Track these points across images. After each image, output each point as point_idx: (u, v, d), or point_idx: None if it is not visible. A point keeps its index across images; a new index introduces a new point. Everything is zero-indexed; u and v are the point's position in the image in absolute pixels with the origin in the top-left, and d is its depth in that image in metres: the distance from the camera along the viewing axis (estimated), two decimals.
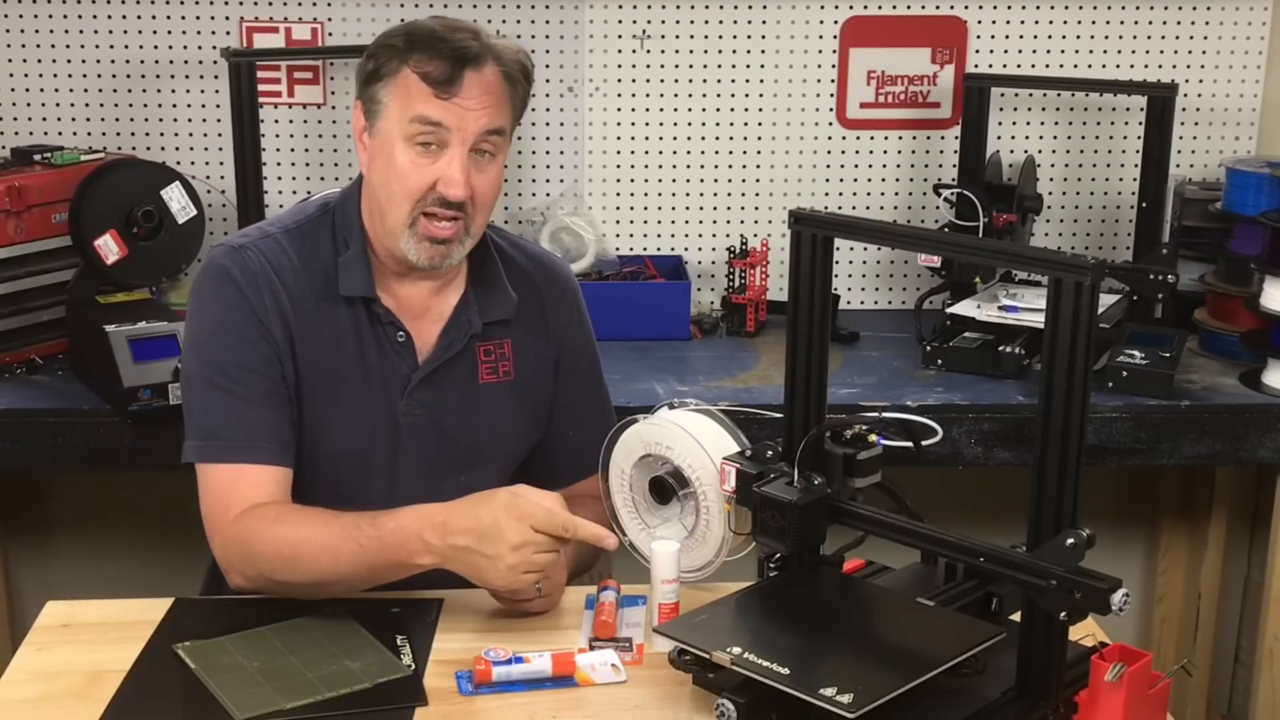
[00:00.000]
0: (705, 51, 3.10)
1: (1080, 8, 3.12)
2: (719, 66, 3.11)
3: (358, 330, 1.96)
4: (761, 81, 3.12)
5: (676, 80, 3.11)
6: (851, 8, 3.09)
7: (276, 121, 3.05)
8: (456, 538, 1.74)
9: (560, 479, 2.13)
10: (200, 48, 3.00)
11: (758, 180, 3.16)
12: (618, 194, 3.15)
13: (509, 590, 1.78)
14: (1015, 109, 3.16)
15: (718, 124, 3.13)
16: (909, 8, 3.11)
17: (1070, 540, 1.48)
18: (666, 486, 1.87)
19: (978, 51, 3.13)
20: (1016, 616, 1.60)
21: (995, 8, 3.11)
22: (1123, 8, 3.12)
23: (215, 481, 1.89)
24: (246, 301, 1.90)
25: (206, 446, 1.90)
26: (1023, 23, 3.13)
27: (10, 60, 2.99)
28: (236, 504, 1.87)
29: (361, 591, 1.85)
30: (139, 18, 2.99)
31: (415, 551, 1.77)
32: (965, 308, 2.85)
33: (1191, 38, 3.13)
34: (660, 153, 3.14)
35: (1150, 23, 3.13)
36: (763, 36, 3.10)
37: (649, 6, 3.07)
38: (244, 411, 1.89)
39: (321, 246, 1.97)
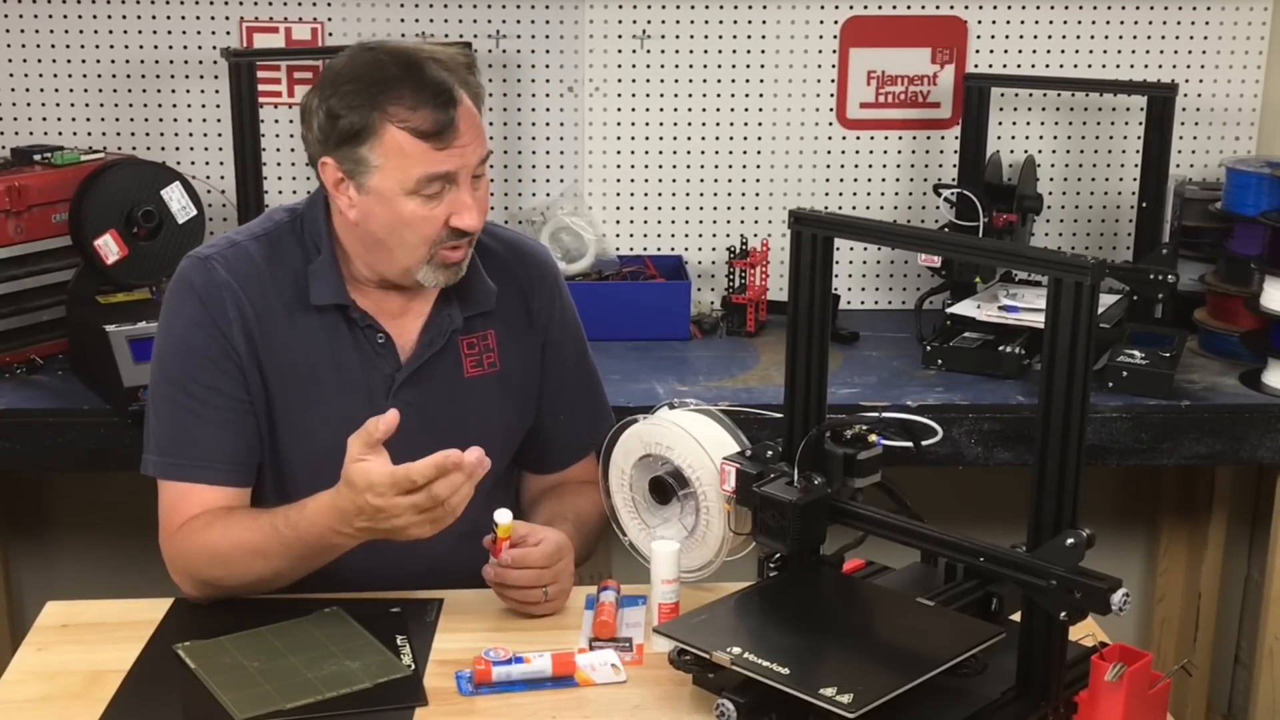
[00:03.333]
0: (705, 51, 3.10)
1: (1080, 8, 3.12)
2: (719, 66, 3.10)
3: (332, 335, 1.96)
4: (761, 81, 3.12)
5: (676, 80, 3.11)
6: (851, 8, 3.09)
7: (276, 121, 3.05)
8: (357, 521, 1.75)
9: (554, 465, 2.13)
10: (200, 48, 3.00)
11: (758, 180, 3.16)
12: (618, 194, 3.15)
13: (435, 531, 1.75)
14: (1015, 109, 3.16)
15: (718, 124, 3.13)
16: (909, 8, 3.10)
17: (1070, 540, 1.48)
18: (666, 486, 1.87)
19: (978, 51, 3.13)
20: (1016, 616, 1.60)
21: (995, 8, 3.11)
22: (1123, 8, 3.12)
23: (167, 497, 1.93)
24: (208, 316, 1.91)
25: (162, 463, 1.93)
26: (1023, 23, 3.13)
27: (10, 60, 2.99)
28: (179, 521, 1.91)
29: (358, 580, 1.89)
30: (139, 18, 2.98)
31: (333, 544, 1.81)
32: (965, 308, 2.85)
33: (1191, 38, 3.13)
34: (660, 153, 3.14)
35: (1150, 23, 3.13)
36: (763, 36, 3.10)
37: (649, 6, 3.06)
38: (200, 431, 1.91)
39: (291, 253, 1.97)
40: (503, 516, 1.81)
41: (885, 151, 3.17)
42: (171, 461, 1.92)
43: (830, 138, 3.16)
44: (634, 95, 3.11)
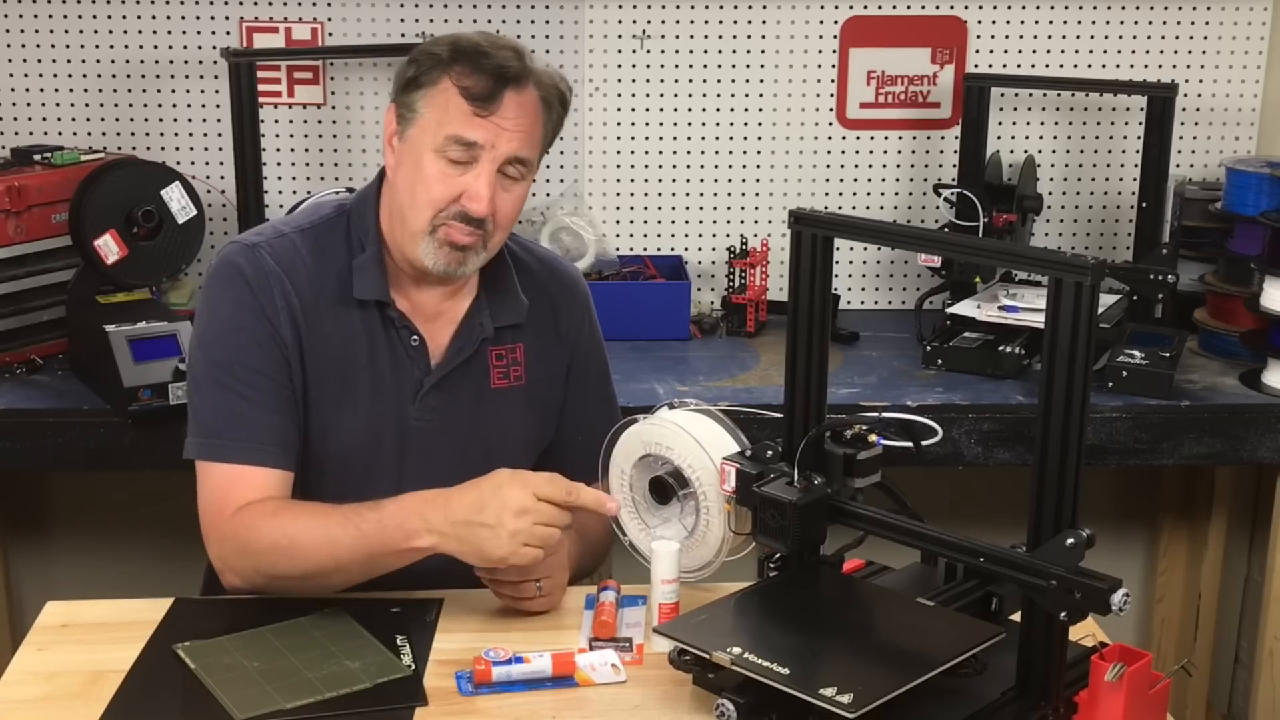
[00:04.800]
0: (705, 51, 3.10)
1: (1080, 8, 3.12)
2: (719, 66, 3.11)
3: (370, 333, 1.96)
4: (761, 81, 3.12)
5: (676, 80, 3.11)
6: (851, 8, 3.09)
7: (276, 121, 3.05)
8: (456, 512, 1.74)
9: None
10: (200, 48, 3.00)
11: (758, 180, 3.16)
12: (618, 194, 3.15)
13: (509, 562, 1.75)
14: (1015, 109, 3.16)
15: (718, 124, 3.13)
16: (909, 8, 3.11)
17: (1070, 540, 1.48)
18: (666, 486, 1.87)
19: (978, 51, 3.13)
20: (1016, 616, 1.60)
21: (995, 8, 3.11)
22: (1123, 8, 3.12)
23: (214, 480, 1.89)
24: (256, 302, 1.90)
25: (209, 444, 1.90)
26: (1023, 23, 3.13)
27: (10, 60, 2.99)
28: (234, 503, 1.87)
29: (357, 585, 1.85)
30: (139, 18, 2.99)
31: (414, 532, 1.76)
32: (965, 308, 2.85)
33: (1191, 38, 3.13)
34: (660, 153, 3.14)
35: (1150, 23, 3.13)
36: (763, 36, 3.10)
37: (649, 6, 3.07)
38: (248, 412, 1.89)
39: (336, 248, 1.97)
40: None
41: (885, 151, 3.17)
42: (219, 443, 1.89)
43: (830, 138, 3.16)
44: (634, 95, 3.11)
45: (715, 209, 3.17)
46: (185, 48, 3.01)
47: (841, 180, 3.18)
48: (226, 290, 1.92)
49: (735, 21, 3.09)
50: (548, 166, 3.12)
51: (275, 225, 2.01)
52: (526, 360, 2.04)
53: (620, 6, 3.06)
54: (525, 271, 2.07)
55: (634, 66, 3.09)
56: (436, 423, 1.97)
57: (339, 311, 1.94)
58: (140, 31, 3.00)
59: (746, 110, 3.13)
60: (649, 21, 3.07)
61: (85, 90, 3.01)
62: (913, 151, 3.17)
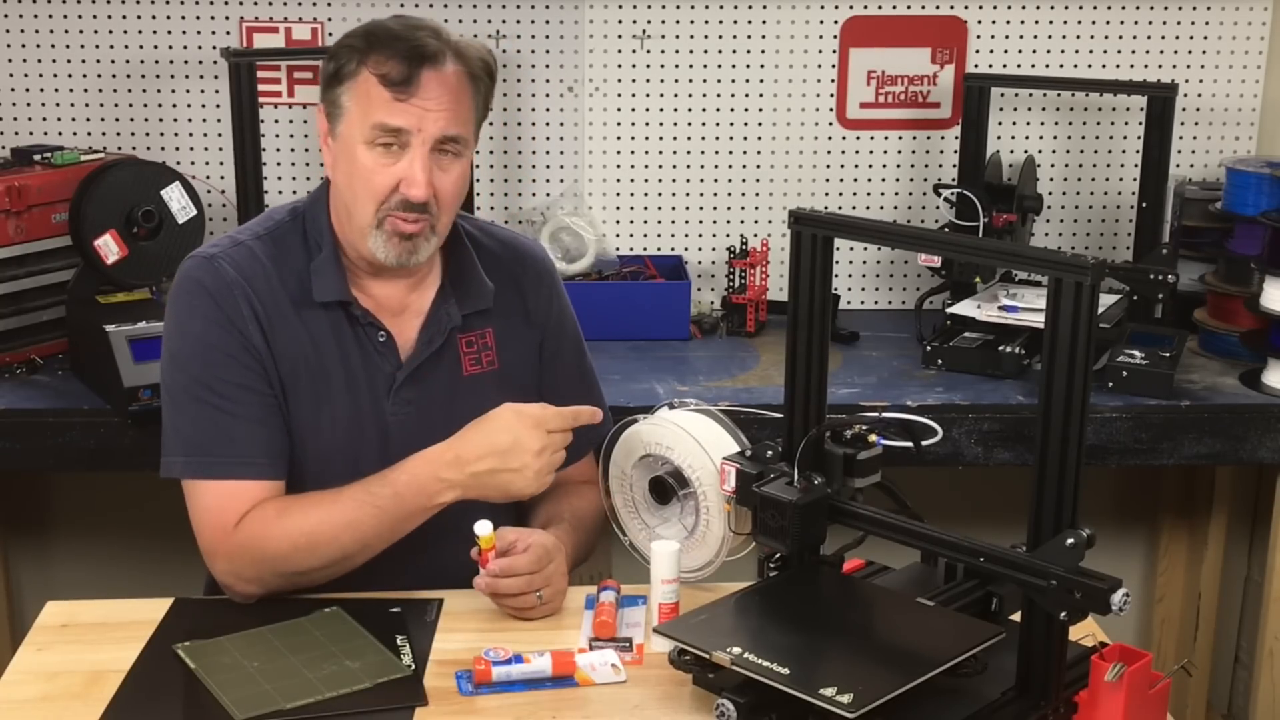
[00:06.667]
0: (705, 51, 3.10)
1: (1080, 8, 3.12)
2: (719, 66, 3.11)
3: (337, 334, 1.96)
4: (761, 81, 3.12)
5: (676, 80, 3.11)
6: (851, 8, 3.09)
7: (276, 121, 3.05)
8: (475, 464, 1.82)
9: None
10: (200, 48, 3.01)
11: (758, 180, 3.16)
12: (618, 194, 3.15)
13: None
14: (1015, 109, 3.16)
15: (718, 124, 3.13)
16: (909, 8, 3.11)
17: (1070, 540, 1.48)
18: (666, 486, 1.87)
19: (978, 51, 3.13)
20: (1016, 616, 1.60)
21: (995, 8, 3.11)
22: (1123, 8, 3.12)
23: (209, 499, 1.89)
24: (223, 313, 1.90)
25: (196, 463, 1.90)
26: (1023, 23, 3.13)
27: (10, 60, 2.99)
28: (234, 518, 1.87)
29: (357, 586, 1.87)
30: (139, 18, 2.99)
31: (436, 492, 1.83)
32: (965, 308, 2.85)
33: (1191, 38, 3.13)
34: (660, 153, 3.14)
35: (1150, 23, 3.13)
36: (763, 36, 3.10)
37: (649, 6, 3.07)
38: (233, 427, 1.89)
39: (294, 252, 1.97)
40: (483, 529, 1.81)
41: (885, 151, 3.17)
42: (207, 460, 1.89)
43: (830, 138, 3.16)
44: (634, 95, 3.11)
45: (715, 209, 3.17)
46: (185, 48, 3.01)
47: (841, 180, 3.18)
48: (192, 306, 1.92)
49: (735, 21, 3.08)
50: (547, 167, 3.12)
51: (232, 235, 2.00)
52: (497, 344, 2.05)
53: (620, 6, 3.06)
54: (486, 254, 2.06)
55: (634, 66, 3.09)
56: (414, 415, 1.98)
57: (304, 314, 1.94)
58: (140, 31, 3.00)
59: (746, 110, 3.13)
60: (649, 21, 3.07)
61: (85, 90, 3.01)
62: (913, 151, 3.17)
